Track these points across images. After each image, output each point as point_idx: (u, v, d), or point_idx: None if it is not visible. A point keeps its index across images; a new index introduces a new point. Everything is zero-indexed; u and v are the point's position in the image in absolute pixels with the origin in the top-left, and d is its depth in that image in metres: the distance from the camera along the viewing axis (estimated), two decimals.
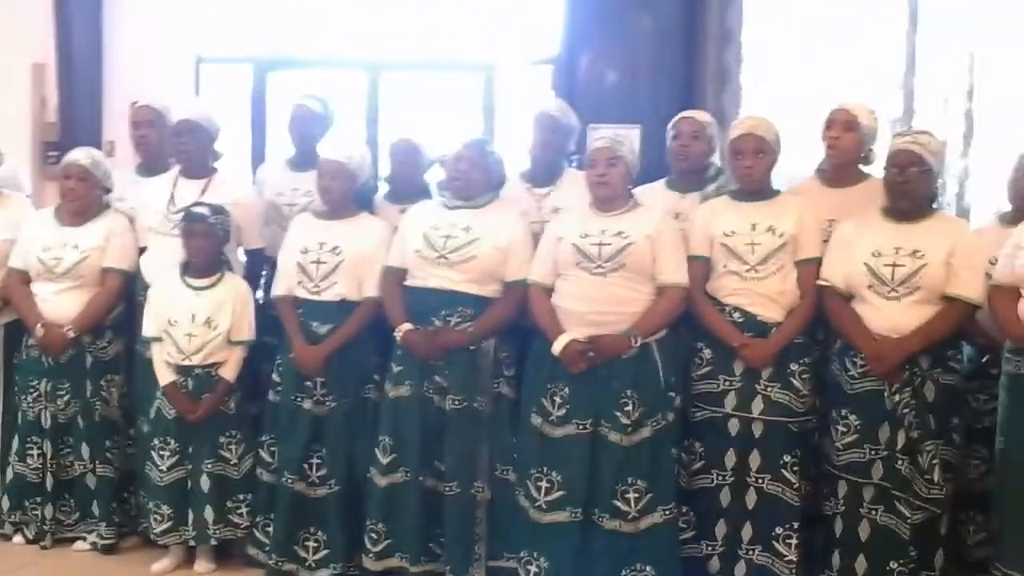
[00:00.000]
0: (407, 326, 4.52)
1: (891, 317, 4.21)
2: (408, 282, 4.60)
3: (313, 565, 4.69)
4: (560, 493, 4.36)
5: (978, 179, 5.81)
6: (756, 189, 4.46)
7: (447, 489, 4.52)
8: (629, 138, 4.51)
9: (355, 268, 4.66)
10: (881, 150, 4.52)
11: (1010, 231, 4.34)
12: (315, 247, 4.70)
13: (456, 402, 4.48)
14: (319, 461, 4.68)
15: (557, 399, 4.37)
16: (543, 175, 4.90)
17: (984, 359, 4.45)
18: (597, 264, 4.33)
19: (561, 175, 4.90)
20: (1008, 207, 4.61)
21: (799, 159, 4.89)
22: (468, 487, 4.50)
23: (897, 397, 4.19)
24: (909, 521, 4.21)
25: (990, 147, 5.73)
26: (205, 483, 4.74)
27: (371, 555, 4.60)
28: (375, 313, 4.66)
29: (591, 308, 4.33)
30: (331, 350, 4.62)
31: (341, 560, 4.68)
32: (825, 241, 4.44)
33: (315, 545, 4.70)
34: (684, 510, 4.47)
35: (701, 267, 4.45)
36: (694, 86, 6.26)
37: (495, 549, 4.57)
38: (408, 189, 4.98)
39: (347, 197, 4.75)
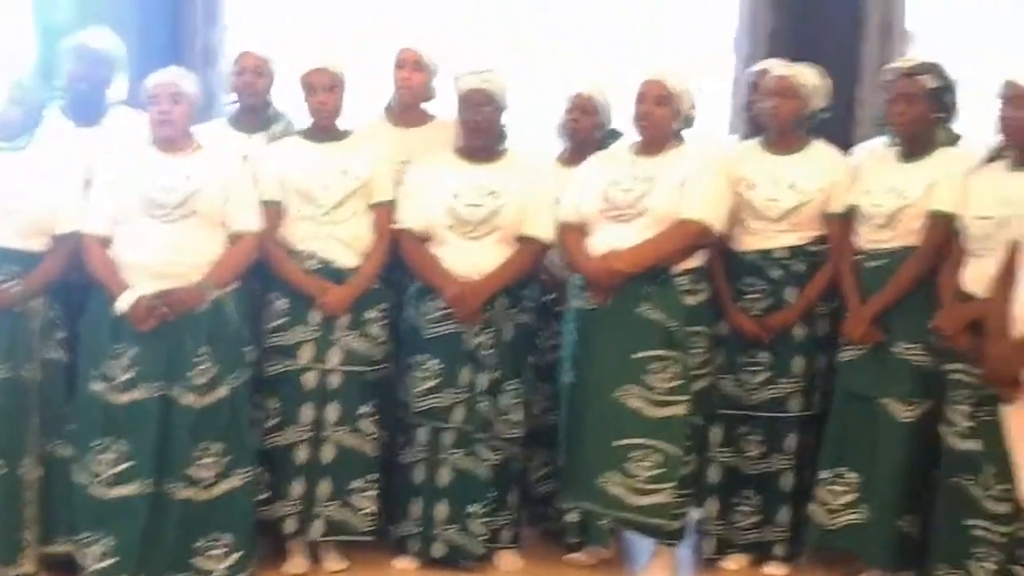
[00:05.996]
0: None
1: (471, 258, 4.20)
2: None
3: None
4: (128, 464, 3.94)
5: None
6: (329, 126, 4.27)
7: None
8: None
9: None
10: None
11: (570, 170, 4.45)
12: None
13: None
14: None
15: (124, 361, 3.94)
16: (86, 112, 4.38)
17: (548, 297, 4.52)
18: (165, 211, 3.94)
19: (106, 112, 4.42)
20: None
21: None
22: (15, 466, 3.97)
23: (478, 339, 4.18)
24: (488, 462, 4.24)
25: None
26: None
27: None
28: None
29: (160, 259, 3.93)
30: None
31: None
32: (399, 183, 4.33)
33: None
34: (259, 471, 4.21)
35: (273, 212, 4.19)
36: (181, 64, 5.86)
37: (49, 533, 4.07)
38: None
39: None
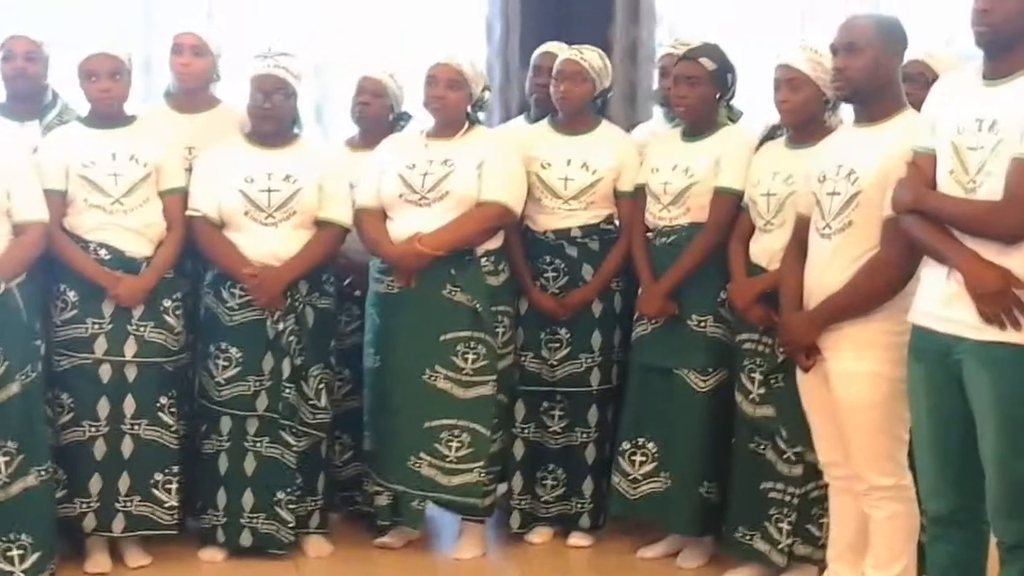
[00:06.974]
0: None
1: (270, 244, 4.15)
2: None
3: None
4: None
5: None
6: (113, 113, 4.12)
7: None
8: None
9: None
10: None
11: (361, 154, 4.46)
12: None
13: None
14: None
15: None
16: None
17: (345, 281, 4.51)
18: None
19: None
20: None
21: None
22: None
23: (280, 325, 4.14)
24: (294, 449, 4.21)
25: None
26: None
27: None
28: None
29: None
30: None
31: None
32: (188, 170, 4.24)
33: None
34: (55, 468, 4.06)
35: (58, 201, 4.03)
36: None
37: None
38: None
39: None
